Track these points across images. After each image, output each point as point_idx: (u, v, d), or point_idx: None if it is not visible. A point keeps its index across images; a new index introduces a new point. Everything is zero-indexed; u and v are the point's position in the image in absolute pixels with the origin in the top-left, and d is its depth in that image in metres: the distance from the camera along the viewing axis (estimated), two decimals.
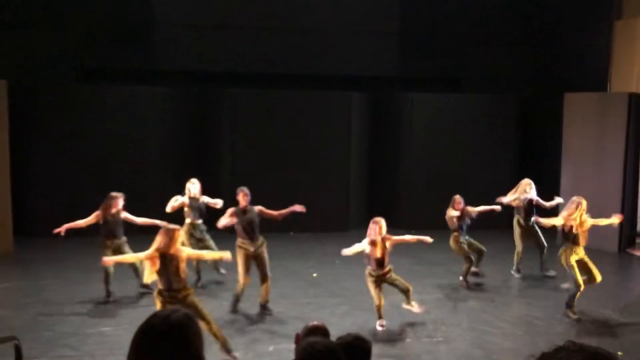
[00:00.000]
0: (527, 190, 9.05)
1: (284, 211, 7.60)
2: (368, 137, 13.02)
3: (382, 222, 7.07)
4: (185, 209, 8.41)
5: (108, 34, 12.37)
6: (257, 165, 12.03)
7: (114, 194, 7.90)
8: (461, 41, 13.43)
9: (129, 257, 6.87)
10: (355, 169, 12.64)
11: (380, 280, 7.07)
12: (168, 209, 8.30)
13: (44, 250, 10.14)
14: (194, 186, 8.42)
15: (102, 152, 11.41)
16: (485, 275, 9.09)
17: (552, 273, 9.13)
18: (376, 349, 6.60)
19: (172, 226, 5.94)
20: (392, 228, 7.23)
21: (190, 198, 8.38)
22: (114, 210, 7.78)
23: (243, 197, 7.50)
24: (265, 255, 7.52)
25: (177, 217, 8.13)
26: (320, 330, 3.26)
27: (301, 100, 12.27)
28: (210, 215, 8.43)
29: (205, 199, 8.47)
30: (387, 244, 7.06)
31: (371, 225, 7.05)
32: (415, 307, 7.21)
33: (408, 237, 7.36)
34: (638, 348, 6.67)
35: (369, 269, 7.11)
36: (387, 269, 7.09)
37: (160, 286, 5.80)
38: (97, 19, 12.24)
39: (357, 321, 7.26)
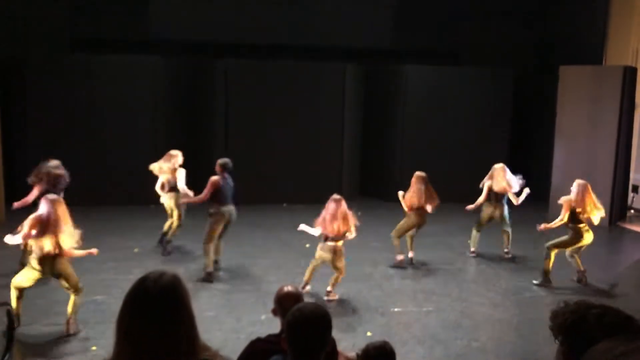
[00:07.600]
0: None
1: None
2: (362, 109, 12.96)
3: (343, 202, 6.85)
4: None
5: (101, 3, 12.18)
6: (250, 137, 11.99)
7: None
8: (457, 14, 13.29)
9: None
10: (348, 141, 12.61)
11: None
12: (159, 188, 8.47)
13: None
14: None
15: (93, 122, 11.33)
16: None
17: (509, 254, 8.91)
18: (366, 318, 6.67)
19: (51, 196, 6.00)
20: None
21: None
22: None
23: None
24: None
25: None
26: (293, 297, 3.07)
27: (295, 71, 12.16)
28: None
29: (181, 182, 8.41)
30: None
31: (331, 205, 6.80)
32: (331, 296, 7.05)
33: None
34: None
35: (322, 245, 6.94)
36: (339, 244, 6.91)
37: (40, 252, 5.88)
38: None
39: (348, 291, 7.33)
